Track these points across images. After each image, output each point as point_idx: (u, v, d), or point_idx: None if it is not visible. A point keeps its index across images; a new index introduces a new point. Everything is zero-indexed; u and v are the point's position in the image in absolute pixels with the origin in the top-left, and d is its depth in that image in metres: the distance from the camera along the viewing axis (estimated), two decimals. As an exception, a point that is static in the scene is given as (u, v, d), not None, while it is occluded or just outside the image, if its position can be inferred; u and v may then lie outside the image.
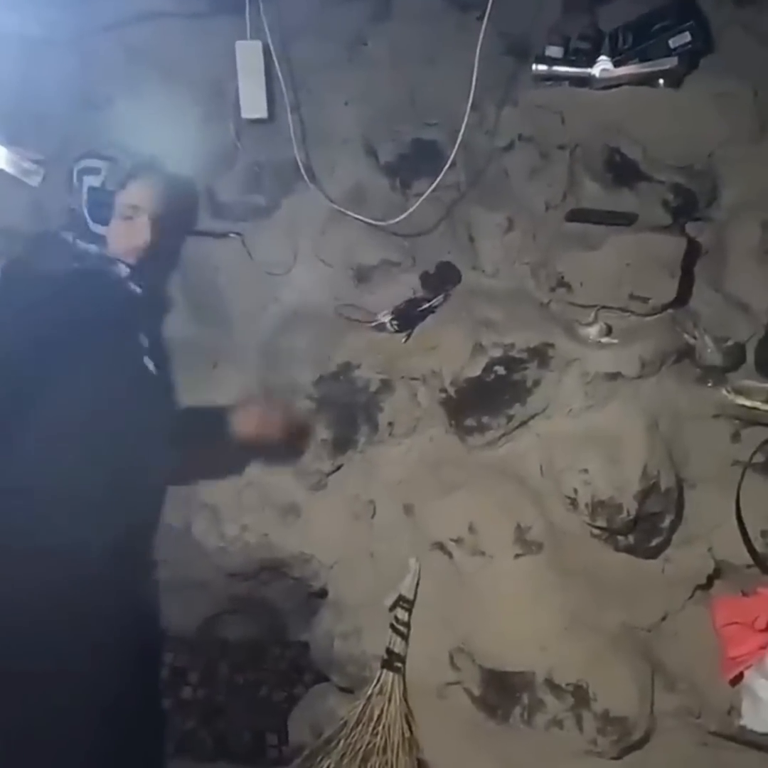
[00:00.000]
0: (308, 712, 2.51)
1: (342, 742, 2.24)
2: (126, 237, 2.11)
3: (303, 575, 2.50)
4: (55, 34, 2.53)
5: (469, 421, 2.22)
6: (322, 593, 2.51)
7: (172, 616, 2.63)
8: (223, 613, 2.64)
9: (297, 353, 2.36)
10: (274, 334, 2.42)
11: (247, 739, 2.57)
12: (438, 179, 2.09)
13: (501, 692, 2.22)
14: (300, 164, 2.27)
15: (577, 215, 2.18)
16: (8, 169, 2.61)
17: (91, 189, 2.12)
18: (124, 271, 2.14)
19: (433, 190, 2.20)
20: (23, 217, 2.68)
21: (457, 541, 2.24)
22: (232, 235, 2.44)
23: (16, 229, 2.68)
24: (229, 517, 2.46)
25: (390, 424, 2.33)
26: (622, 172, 2.17)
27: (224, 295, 2.48)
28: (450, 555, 2.26)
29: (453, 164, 2.18)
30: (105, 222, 2.12)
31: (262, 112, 2.32)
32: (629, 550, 2.18)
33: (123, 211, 2.11)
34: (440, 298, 2.25)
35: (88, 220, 2.13)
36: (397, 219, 2.14)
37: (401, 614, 2.31)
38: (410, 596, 2.31)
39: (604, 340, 2.15)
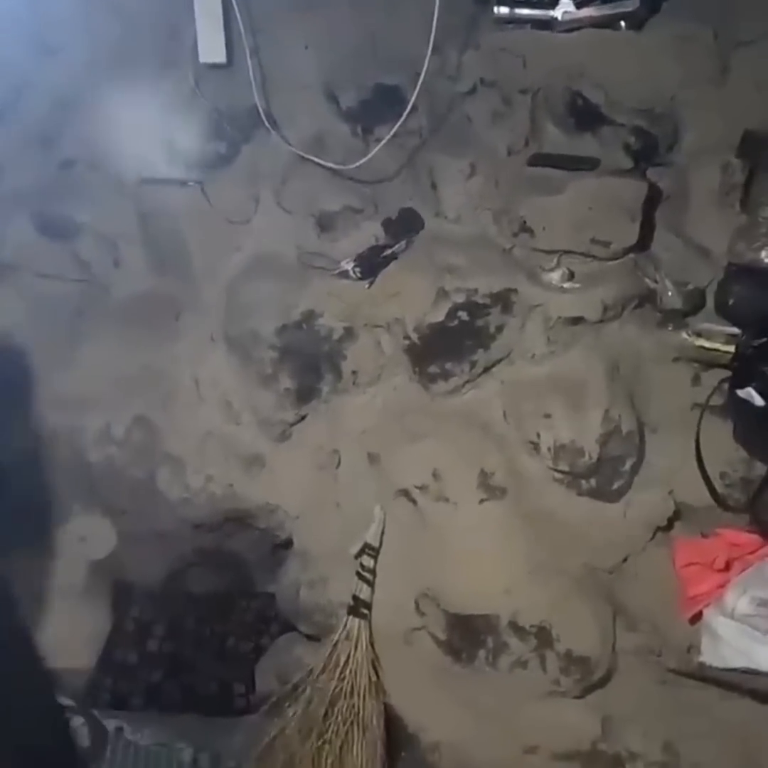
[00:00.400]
0: (275, 661, 2.53)
1: (308, 688, 2.26)
2: None
3: (268, 526, 2.51)
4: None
5: (433, 369, 2.22)
6: (288, 544, 2.51)
7: (137, 568, 2.63)
8: (189, 565, 2.64)
9: (259, 302, 2.34)
10: (237, 283, 2.40)
11: (215, 689, 2.57)
12: (398, 124, 2.07)
13: (466, 636, 2.24)
14: (260, 110, 2.24)
15: (539, 160, 2.17)
16: (-39, 120, 2.55)
17: None
18: None
19: (395, 137, 2.18)
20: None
21: (422, 488, 2.25)
22: (191, 183, 2.41)
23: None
24: (193, 468, 2.45)
25: (354, 372, 2.32)
26: (584, 116, 2.16)
27: (185, 245, 2.45)
28: (415, 502, 2.27)
29: (415, 109, 2.16)
30: None
31: (220, 57, 2.28)
32: (591, 493, 2.20)
33: None
34: (403, 244, 2.23)
35: None
36: (358, 163, 2.12)
37: (367, 562, 2.32)
38: (375, 544, 2.32)
39: (567, 285, 2.15)
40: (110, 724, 2.51)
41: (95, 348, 2.53)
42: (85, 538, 2.63)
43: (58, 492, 2.60)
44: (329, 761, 2.17)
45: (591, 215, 2.10)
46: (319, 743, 2.18)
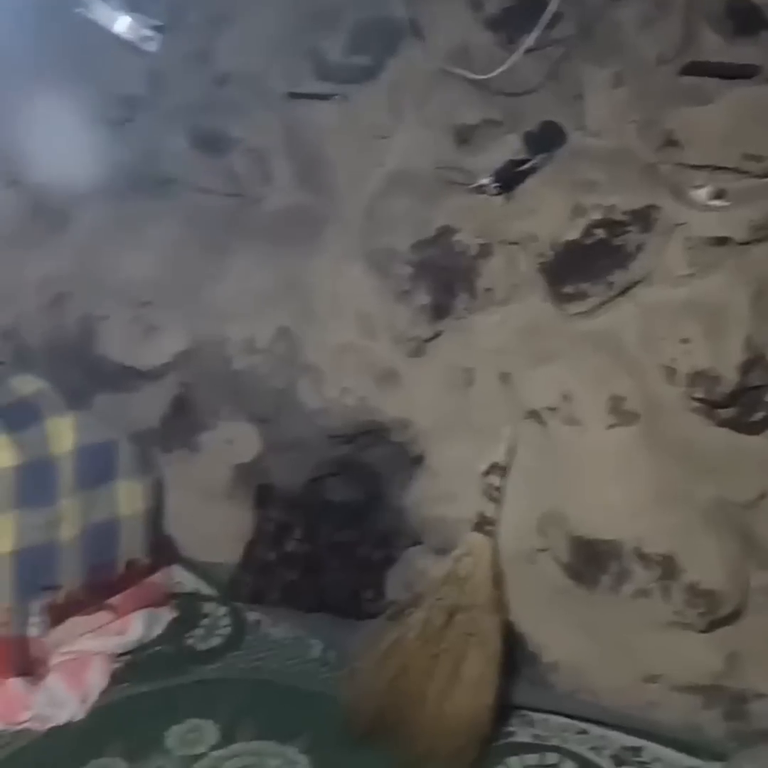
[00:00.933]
0: (403, 571, 2.60)
1: (430, 598, 2.31)
2: None
3: (401, 440, 2.56)
4: None
5: (568, 288, 2.18)
6: (419, 459, 2.56)
7: (278, 474, 2.75)
8: (327, 474, 2.74)
9: (397, 218, 2.35)
10: (376, 198, 2.42)
11: (345, 593, 2.68)
12: (537, 31, 2.00)
13: (590, 560, 2.23)
14: (405, 22, 2.22)
15: (693, 68, 2.05)
16: (127, 36, 2.67)
17: None
18: None
19: (540, 46, 2.12)
20: (141, 84, 2.76)
21: (552, 409, 2.23)
22: (336, 97, 2.43)
23: (134, 97, 2.77)
24: (330, 380, 2.53)
25: (488, 290, 2.30)
26: (745, 19, 2.02)
27: (329, 160, 2.49)
28: (544, 424, 2.26)
29: (561, 17, 2.09)
30: None
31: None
32: (729, 424, 2.11)
33: None
34: (542, 158, 2.18)
35: None
36: (496, 72, 2.07)
37: (494, 480, 2.33)
38: (504, 463, 2.32)
39: (715, 203, 2.04)
40: (250, 617, 2.70)
41: (243, 260, 2.63)
42: (231, 442, 2.77)
43: (207, 398, 2.75)
44: (446, 669, 2.23)
45: (745, 127, 1.98)
46: (437, 651, 2.24)
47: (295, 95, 2.49)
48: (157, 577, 2.72)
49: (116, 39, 2.66)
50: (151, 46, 2.67)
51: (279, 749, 2.27)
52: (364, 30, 2.36)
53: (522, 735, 2.32)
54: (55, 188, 2.80)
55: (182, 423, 2.80)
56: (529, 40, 2.07)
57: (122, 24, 2.65)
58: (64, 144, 2.77)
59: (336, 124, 2.44)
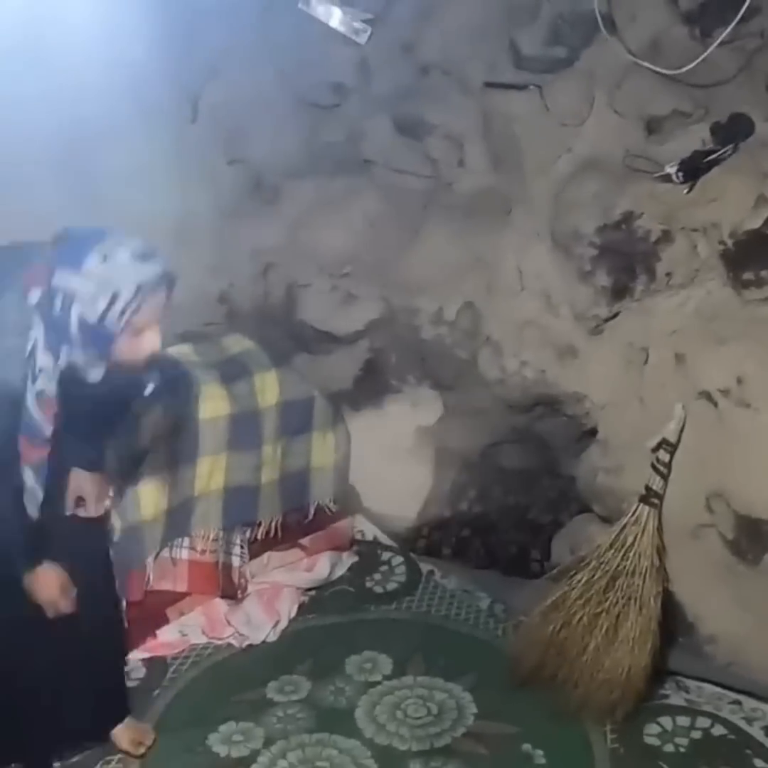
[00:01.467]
0: (569, 536, 2.75)
1: (594, 561, 2.45)
2: (132, 351, 1.73)
3: (575, 413, 2.70)
4: None
5: (747, 275, 2.25)
6: (593, 432, 2.69)
7: (457, 438, 2.95)
8: (502, 441, 2.92)
9: (583, 201, 2.48)
10: (564, 182, 2.55)
11: (514, 552, 2.86)
12: (731, 25, 2.07)
13: (754, 538, 2.30)
14: (598, 16, 2.33)
15: None
16: (340, 29, 2.91)
17: (82, 323, 1.67)
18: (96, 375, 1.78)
19: (736, 39, 2.19)
20: (350, 73, 2.99)
21: (724, 391, 2.31)
22: (531, 86, 2.57)
23: (344, 85, 3.01)
24: (511, 352, 2.70)
25: (667, 274, 2.40)
26: None
27: (520, 145, 2.64)
28: (716, 404, 2.34)
29: (758, 11, 2.14)
30: (101, 356, 1.73)
31: (566, -36, 2.39)
32: None
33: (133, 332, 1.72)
34: (729, 149, 2.25)
35: (79, 352, 1.72)
36: (688, 66, 2.16)
37: (663, 456, 2.43)
38: (673, 440, 2.42)
39: None
40: (424, 567, 2.93)
41: (435, 238, 2.83)
42: (415, 406, 2.99)
43: (396, 363, 2.98)
44: (604, 627, 2.37)
45: None
46: (598, 610, 2.38)
47: (491, 85, 2.65)
48: (342, 524, 2.99)
49: (330, 31, 2.90)
50: (362, 38, 2.90)
51: (445, 686, 2.50)
52: (561, 23, 2.49)
53: (675, 699, 2.44)
54: (270, 166, 3.10)
55: (371, 385, 3.04)
56: (725, 33, 2.12)
57: (337, 18, 2.89)
58: (279, 126, 3.06)
59: (529, 111, 2.59)
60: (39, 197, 2.64)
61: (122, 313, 1.64)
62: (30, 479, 1.83)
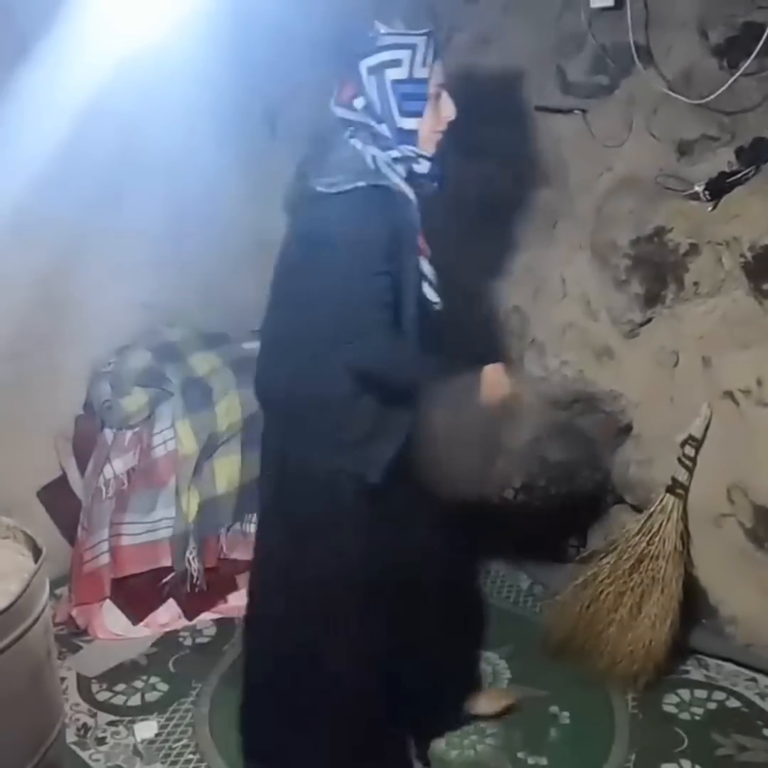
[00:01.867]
0: (605, 524, 2.98)
1: (622, 545, 2.68)
2: (436, 121, 2.02)
3: (612, 410, 2.93)
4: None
5: (767, 285, 2.45)
6: (628, 428, 2.91)
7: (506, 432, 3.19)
8: (545, 436, 3.15)
9: (620, 216, 2.71)
10: (603, 199, 2.79)
11: (553, 539, 3.09)
12: (752, 56, 2.28)
13: (770, 527, 2.51)
14: (632, 48, 2.56)
15: None
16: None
17: (396, 82, 1.96)
18: (425, 167, 2.05)
19: (761, 70, 2.39)
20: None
21: (746, 392, 2.52)
22: (576, 111, 2.81)
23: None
24: (553, 353, 2.94)
25: (695, 284, 2.61)
26: None
27: (566, 164, 2.88)
28: (737, 404, 2.55)
29: (778, 43, 2.34)
30: (418, 113, 1.99)
31: (608, 1, 2.62)
32: None
33: (433, 93, 2.00)
34: (751, 170, 2.45)
35: (396, 116, 1.98)
36: (715, 95, 2.38)
37: (689, 451, 2.65)
38: (699, 436, 2.64)
39: None
40: (469, 552, 3.18)
41: (490, 247, 3.08)
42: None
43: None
44: (629, 605, 2.59)
45: None
46: (623, 589, 2.61)
47: (540, 108, 2.89)
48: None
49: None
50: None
51: (484, 654, 2.75)
52: (604, 54, 2.72)
53: (695, 674, 2.66)
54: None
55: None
56: (746, 64, 2.34)
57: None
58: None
59: (574, 133, 2.82)
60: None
61: (423, 61, 1.95)
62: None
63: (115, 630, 2.84)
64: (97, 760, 2.36)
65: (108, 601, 2.85)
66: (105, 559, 2.84)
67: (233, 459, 2.90)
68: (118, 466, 2.87)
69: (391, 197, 2.00)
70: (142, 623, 2.86)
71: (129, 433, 2.89)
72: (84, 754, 2.37)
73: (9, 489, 2.74)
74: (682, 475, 2.66)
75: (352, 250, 1.96)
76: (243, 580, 2.96)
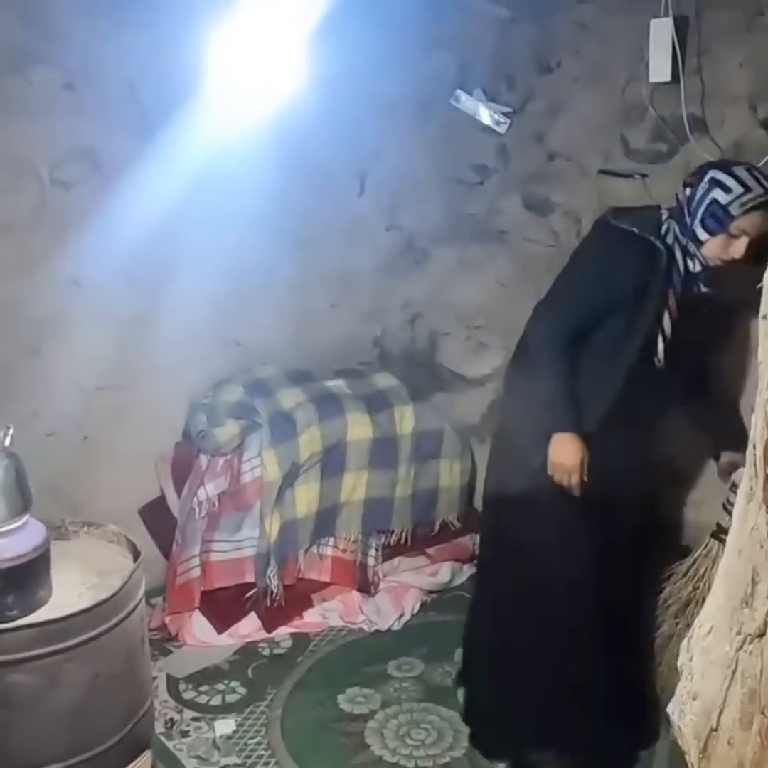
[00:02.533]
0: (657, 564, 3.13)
1: (668, 589, 2.82)
2: (723, 250, 2.27)
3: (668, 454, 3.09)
4: (520, 14, 3.30)
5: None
6: (679, 471, 3.07)
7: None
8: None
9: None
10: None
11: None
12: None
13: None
14: (685, 119, 2.77)
15: None
16: (485, 121, 3.46)
17: (714, 201, 2.25)
18: (697, 266, 2.32)
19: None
20: (491, 157, 3.54)
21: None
22: (636, 176, 3.03)
23: (485, 166, 3.55)
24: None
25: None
26: None
27: (627, 224, 3.08)
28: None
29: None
30: (712, 233, 2.27)
31: (665, 77, 2.83)
32: None
33: (732, 231, 2.25)
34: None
35: (697, 223, 2.28)
36: (761, 163, 2.56)
37: (732, 497, 2.79)
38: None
39: None
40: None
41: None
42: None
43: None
44: (675, 649, 2.72)
45: None
46: (669, 634, 2.74)
47: (604, 171, 3.11)
48: (463, 539, 3.49)
49: (476, 122, 3.46)
50: (502, 128, 3.44)
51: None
52: (663, 124, 2.93)
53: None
54: (420, 233, 3.68)
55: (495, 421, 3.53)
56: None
57: (482, 112, 3.45)
58: (430, 199, 3.65)
59: (634, 195, 3.03)
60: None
61: (743, 204, 2.21)
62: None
63: (202, 637, 3.13)
64: (181, 750, 2.65)
65: (197, 611, 3.14)
66: (196, 572, 3.14)
67: (312, 486, 3.19)
68: (210, 489, 3.17)
69: (653, 250, 2.33)
70: (226, 633, 3.14)
71: (221, 460, 3.20)
72: (169, 744, 2.67)
73: (113, 506, 3.06)
74: (725, 521, 2.79)
75: (596, 259, 2.41)
76: (318, 598, 3.24)
